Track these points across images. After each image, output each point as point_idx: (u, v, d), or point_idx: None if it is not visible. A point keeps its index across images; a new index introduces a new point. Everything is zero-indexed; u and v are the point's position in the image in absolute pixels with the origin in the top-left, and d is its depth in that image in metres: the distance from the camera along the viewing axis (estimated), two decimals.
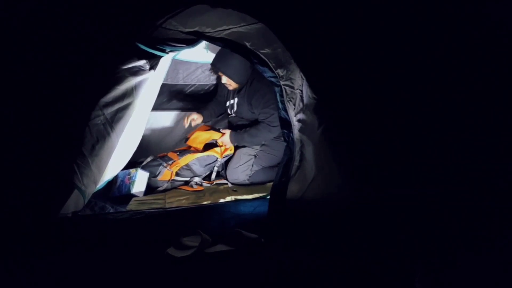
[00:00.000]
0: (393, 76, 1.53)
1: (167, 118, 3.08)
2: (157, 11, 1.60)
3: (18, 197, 1.42)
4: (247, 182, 2.50)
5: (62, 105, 1.52)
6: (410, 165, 1.48)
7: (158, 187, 2.38)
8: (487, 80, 1.51)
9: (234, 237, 1.55)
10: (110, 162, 1.84)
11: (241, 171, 2.49)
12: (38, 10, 1.50)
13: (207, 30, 1.71)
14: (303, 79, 1.67)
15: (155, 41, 1.67)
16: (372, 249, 1.42)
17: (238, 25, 1.70)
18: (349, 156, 1.54)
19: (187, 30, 1.69)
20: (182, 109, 3.11)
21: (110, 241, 1.57)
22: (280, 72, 1.74)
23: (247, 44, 1.74)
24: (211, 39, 1.75)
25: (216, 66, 2.46)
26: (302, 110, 1.72)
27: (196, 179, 2.48)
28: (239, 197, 2.24)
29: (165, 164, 2.42)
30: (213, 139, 2.60)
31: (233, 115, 2.76)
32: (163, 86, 2.64)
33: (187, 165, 2.49)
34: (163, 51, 1.73)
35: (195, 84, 3.05)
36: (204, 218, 1.90)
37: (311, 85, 1.61)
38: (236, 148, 2.63)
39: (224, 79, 2.52)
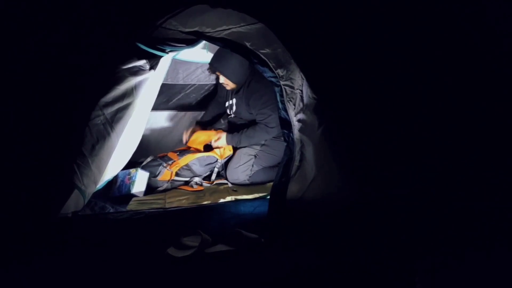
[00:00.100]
0: (393, 76, 1.53)
1: (167, 118, 3.08)
2: (157, 11, 1.60)
3: (18, 197, 1.42)
4: (247, 182, 2.50)
5: (62, 105, 1.52)
6: (410, 165, 1.48)
7: (158, 187, 2.38)
8: (487, 80, 1.51)
9: (234, 237, 1.55)
10: (110, 162, 1.84)
11: (241, 171, 2.49)
12: (38, 10, 1.50)
13: (207, 30, 1.71)
14: (303, 79, 1.68)
15: (155, 41, 1.67)
16: (372, 249, 1.42)
17: (238, 25, 1.70)
18: (349, 156, 1.54)
19: (187, 30, 1.69)
20: (182, 109, 3.12)
21: (110, 241, 1.57)
22: (280, 72, 1.74)
23: (247, 44, 1.74)
24: (211, 39, 1.75)
25: (213, 66, 2.46)
26: (302, 110, 1.72)
27: (196, 179, 2.48)
28: (239, 197, 2.24)
29: (165, 164, 2.42)
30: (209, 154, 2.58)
31: (233, 115, 2.76)
32: (163, 86, 2.63)
33: (187, 165, 2.49)
34: (163, 51, 1.73)
35: (195, 84, 3.05)
36: (204, 218, 1.90)
37: (311, 85, 1.61)
38: (236, 148, 2.63)
39: (222, 79, 2.52)
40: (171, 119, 3.10)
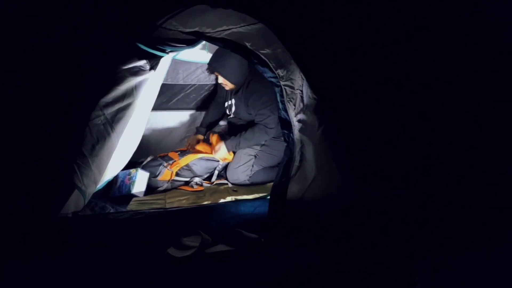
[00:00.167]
0: (393, 76, 1.53)
1: (167, 118, 3.08)
2: (157, 11, 1.60)
3: (18, 197, 1.42)
4: (247, 182, 2.50)
5: (62, 105, 1.52)
6: (410, 165, 1.48)
7: (158, 187, 2.38)
8: (487, 80, 1.51)
9: (234, 237, 1.55)
10: (110, 162, 1.84)
11: (241, 172, 2.49)
12: (38, 10, 1.50)
13: (207, 30, 1.71)
14: (303, 79, 1.68)
15: (156, 41, 1.67)
16: (372, 249, 1.42)
17: (238, 26, 1.70)
18: (349, 156, 1.54)
19: (187, 30, 1.69)
20: (182, 109, 3.12)
21: (110, 241, 1.57)
22: (280, 72, 1.74)
23: (247, 44, 1.74)
24: (212, 40, 1.75)
25: (212, 66, 2.47)
26: (302, 111, 1.72)
27: (197, 179, 2.48)
28: (239, 197, 2.24)
29: (165, 164, 2.42)
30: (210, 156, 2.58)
31: (232, 115, 2.76)
32: (163, 86, 2.64)
33: (187, 165, 2.49)
34: (164, 51, 1.73)
35: (195, 84, 3.05)
36: (204, 218, 1.90)
37: (311, 85, 1.61)
38: None
39: (220, 79, 2.52)
40: (171, 119, 3.10)
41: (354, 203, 1.52)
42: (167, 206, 2.09)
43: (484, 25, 1.53)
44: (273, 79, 1.78)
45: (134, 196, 2.22)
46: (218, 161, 2.57)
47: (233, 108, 2.69)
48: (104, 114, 1.60)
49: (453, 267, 1.31)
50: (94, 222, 1.81)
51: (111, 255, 1.46)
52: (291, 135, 1.77)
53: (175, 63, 2.81)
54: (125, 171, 2.33)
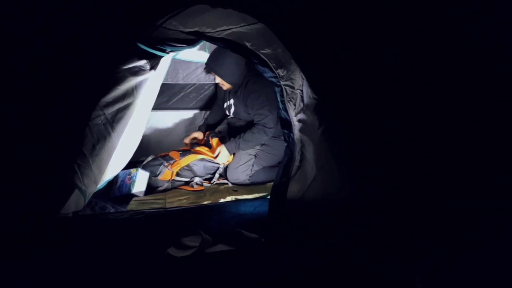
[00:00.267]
0: (393, 76, 1.53)
1: (167, 118, 3.08)
2: (158, 11, 1.60)
3: (18, 197, 1.42)
4: (247, 182, 2.50)
5: (63, 105, 1.52)
6: (410, 165, 1.48)
7: (159, 187, 2.38)
8: (487, 80, 1.51)
9: (235, 237, 1.55)
10: (110, 162, 1.84)
11: (241, 171, 2.49)
12: (38, 10, 1.50)
13: (208, 30, 1.71)
14: (304, 79, 1.68)
15: (156, 41, 1.67)
16: (372, 249, 1.42)
17: (238, 25, 1.70)
18: (349, 156, 1.54)
19: (187, 30, 1.69)
20: (182, 109, 3.12)
21: (110, 241, 1.57)
22: (280, 72, 1.74)
23: (248, 44, 1.74)
24: (212, 39, 1.75)
25: (209, 66, 2.47)
26: (302, 110, 1.72)
27: (197, 179, 2.48)
28: (239, 197, 2.24)
29: (166, 164, 2.42)
30: (209, 158, 2.57)
31: (232, 116, 2.76)
32: (163, 86, 2.64)
33: (188, 165, 2.49)
34: (164, 51, 1.73)
35: (195, 84, 3.05)
36: (204, 218, 1.90)
37: (312, 85, 1.61)
38: None
39: (218, 79, 2.53)
40: (171, 118, 3.10)
41: (354, 203, 1.52)
42: (167, 205, 2.09)
43: (484, 25, 1.53)
44: (273, 79, 1.78)
45: (134, 195, 2.22)
46: (219, 163, 2.57)
47: (232, 109, 2.69)
48: (104, 114, 1.61)
49: (453, 267, 1.31)
50: (94, 222, 1.81)
51: (111, 255, 1.46)
52: (291, 135, 1.77)
53: (175, 62, 2.81)
54: (125, 170, 2.33)
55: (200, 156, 2.52)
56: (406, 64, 1.53)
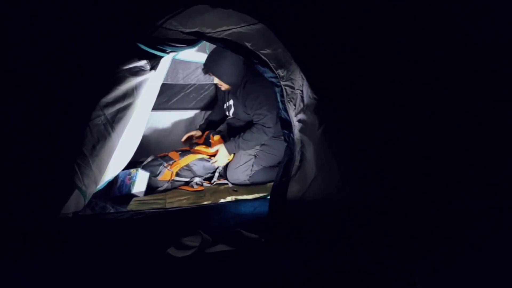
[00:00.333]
0: (393, 76, 1.53)
1: (167, 118, 3.08)
2: (158, 11, 1.60)
3: (18, 197, 1.42)
4: (247, 182, 2.50)
5: (63, 105, 1.52)
6: (410, 165, 1.48)
7: (159, 187, 2.38)
8: (487, 80, 1.51)
9: (235, 237, 1.55)
10: (110, 162, 1.84)
11: (241, 171, 2.49)
12: (38, 10, 1.50)
13: (208, 30, 1.71)
14: (304, 79, 1.68)
15: (156, 41, 1.67)
16: (372, 249, 1.42)
17: (239, 26, 1.70)
18: (350, 156, 1.54)
19: (187, 30, 1.69)
20: (182, 109, 3.12)
21: (110, 241, 1.57)
22: (280, 72, 1.74)
23: (248, 44, 1.74)
24: (212, 40, 1.75)
25: (206, 66, 2.47)
26: (302, 110, 1.72)
27: (197, 179, 2.48)
28: (239, 197, 2.24)
29: (165, 164, 2.42)
30: (208, 158, 2.57)
31: (231, 116, 2.76)
32: (163, 86, 2.64)
33: (187, 165, 2.49)
34: (164, 51, 1.73)
35: (195, 84, 3.05)
36: (204, 218, 1.90)
37: (312, 85, 1.62)
38: None
39: (216, 80, 2.53)
40: (171, 119, 3.10)
41: (354, 203, 1.52)
42: (167, 206, 2.09)
43: (484, 25, 1.53)
44: (273, 79, 1.78)
45: (134, 196, 2.22)
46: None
47: (232, 109, 2.70)
48: (104, 114, 1.61)
49: (453, 267, 1.31)
50: (94, 222, 1.81)
51: (111, 255, 1.46)
52: (291, 135, 1.77)
53: (175, 63, 2.81)
54: (125, 171, 2.33)
55: (199, 156, 2.52)
56: (406, 64, 1.53)
